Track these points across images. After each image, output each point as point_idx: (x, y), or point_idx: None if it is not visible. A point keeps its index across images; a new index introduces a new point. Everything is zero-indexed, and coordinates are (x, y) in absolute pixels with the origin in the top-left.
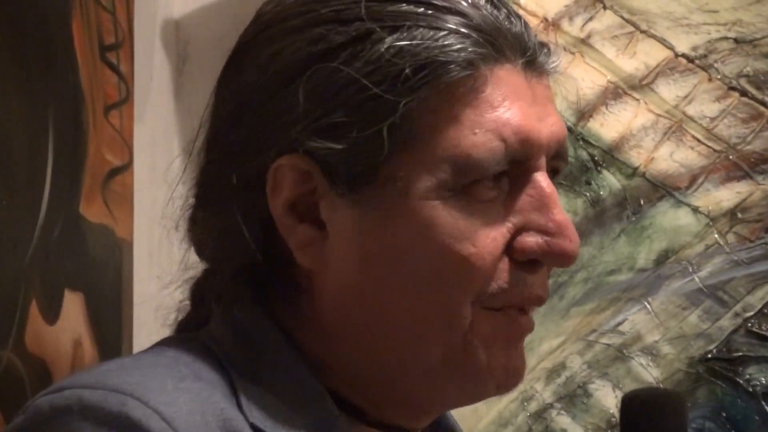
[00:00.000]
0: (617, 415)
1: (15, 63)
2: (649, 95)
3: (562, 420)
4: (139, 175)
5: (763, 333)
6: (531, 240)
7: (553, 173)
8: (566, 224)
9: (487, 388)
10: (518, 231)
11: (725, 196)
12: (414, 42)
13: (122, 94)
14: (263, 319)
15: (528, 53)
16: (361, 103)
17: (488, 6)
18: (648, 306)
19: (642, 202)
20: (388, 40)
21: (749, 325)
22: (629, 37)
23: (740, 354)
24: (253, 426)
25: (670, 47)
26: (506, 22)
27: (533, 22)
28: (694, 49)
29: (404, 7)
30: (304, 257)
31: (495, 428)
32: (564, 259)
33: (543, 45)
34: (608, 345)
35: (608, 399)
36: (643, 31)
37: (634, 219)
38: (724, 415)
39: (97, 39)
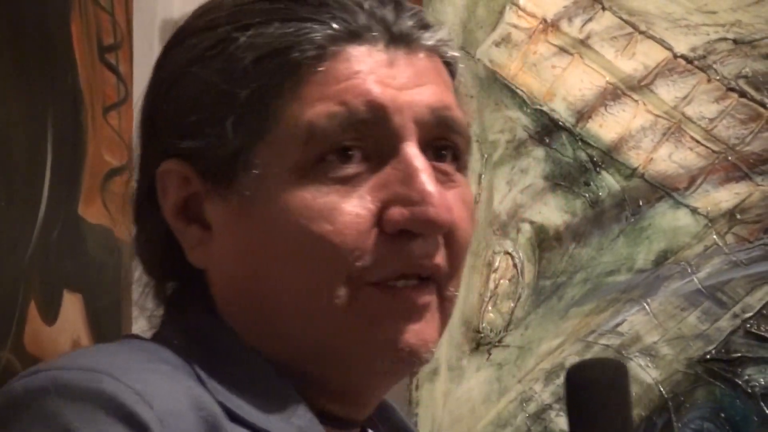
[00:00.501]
0: None
1: (14, 64)
2: (647, 96)
3: (561, 421)
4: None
5: (762, 334)
6: (396, 211)
7: (444, 149)
8: (430, 192)
9: (382, 365)
10: (386, 204)
11: (724, 197)
12: (263, 35)
13: (121, 95)
14: (209, 318)
15: (391, 32)
16: (212, 100)
17: None
18: (647, 307)
19: (641, 203)
20: (241, 38)
21: (748, 326)
22: (628, 38)
23: (739, 355)
24: (221, 404)
25: (669, 48)
26: (371, 5)
27: (532, 23)
28: (693, 50)
29: (261, 5)
30: (193, 257)
31: (493, 429)
32: (429, 225)
33: (421, 26)
34: (607, 346)
35: None
36: (641, 32)
37: (632, 220)
38: (722, 415)
39: (96, 40)
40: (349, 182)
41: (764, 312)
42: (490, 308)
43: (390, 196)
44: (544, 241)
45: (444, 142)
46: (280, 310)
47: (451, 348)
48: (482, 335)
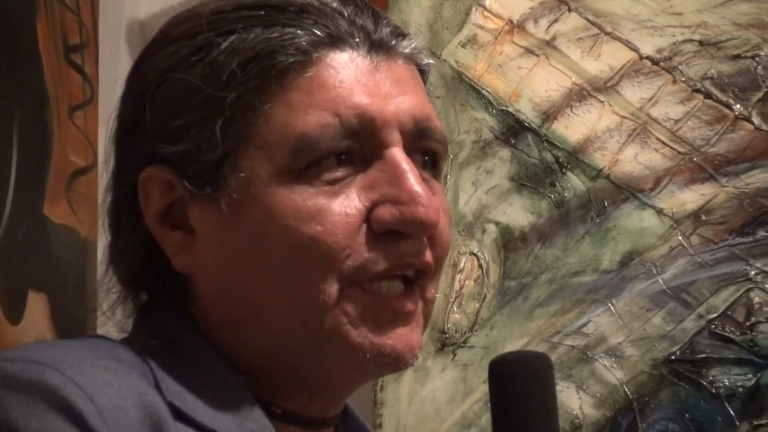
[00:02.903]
0: (581, 416)
1: None
2: (613, 97)
3: None
4: (104, 175)
5: (726, 335)
6: (385, 211)
7: (426, 154)
8: (418, 193)
9: (365, 367)
10: (375, 205)
11: (689, 198)
12: (246, 40)
13: (87, 95)
14: (178, 323)
15: (372, 39)
16: (198, 104)
17: (334, 1)
18: (612, 308)
19: (606, 204)
20: (224, 44)
21: (712, 326)
22: (594, 39)
23: (704, 356)
24: (170, 404)
25: (635, 49)
26: (351, 13)
27: (498, 24)
28: (659, 51)
29: (241, 13)
30: (178, 262)
31: (459, 429)
32: (417, 224)
33: (398, 34)
34: (572, 347)
35: (572, 401)
36: (607, 33)
37: (598, 221)
38: (687, 416)
39: (61, 39)
40: (336, 184)
41: (728, 313)
42: (455, 309)
43: (378, 196)
44: (510, 241)
45: (425, 149)
46: (268, 310)
47: None
48: (447, 336)
